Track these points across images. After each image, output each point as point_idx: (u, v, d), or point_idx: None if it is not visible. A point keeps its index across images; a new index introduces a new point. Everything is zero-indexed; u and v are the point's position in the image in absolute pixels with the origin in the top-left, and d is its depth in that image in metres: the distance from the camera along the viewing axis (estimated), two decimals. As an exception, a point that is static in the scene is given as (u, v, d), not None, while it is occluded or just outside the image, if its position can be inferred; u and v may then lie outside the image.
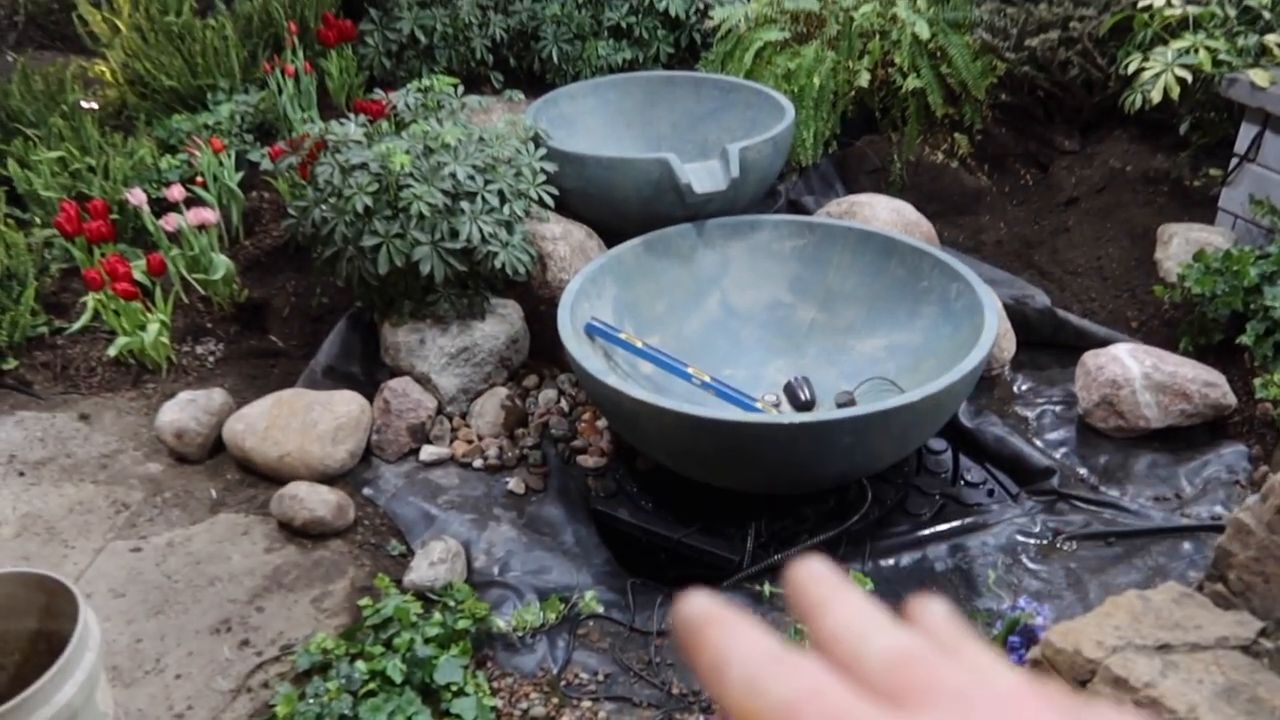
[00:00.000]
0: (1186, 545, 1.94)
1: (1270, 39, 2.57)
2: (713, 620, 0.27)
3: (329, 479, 2.12)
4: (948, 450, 2.25)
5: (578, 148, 2.57)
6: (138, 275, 2.40)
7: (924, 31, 2.93)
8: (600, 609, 1.86)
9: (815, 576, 0.28)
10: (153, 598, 1.83)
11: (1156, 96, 2.52)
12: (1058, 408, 2.34)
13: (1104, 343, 2.36)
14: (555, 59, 3.32)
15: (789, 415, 2.03)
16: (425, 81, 2.54)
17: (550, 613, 1.83)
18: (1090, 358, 2.25)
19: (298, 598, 1.85)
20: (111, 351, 2.38)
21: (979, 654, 0.27)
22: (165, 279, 2.50)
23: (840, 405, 2.16)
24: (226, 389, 2.31)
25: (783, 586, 0.29)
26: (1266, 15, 2.67)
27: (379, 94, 2.63)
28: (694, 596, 0.28)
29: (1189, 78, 2.53)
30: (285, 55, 3.11)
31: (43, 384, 2.40)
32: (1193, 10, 2.58)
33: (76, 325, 2.48)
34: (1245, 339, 2.18)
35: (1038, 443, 2.24)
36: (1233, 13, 2.67)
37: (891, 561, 1.99)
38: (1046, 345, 2.53)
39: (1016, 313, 2.50)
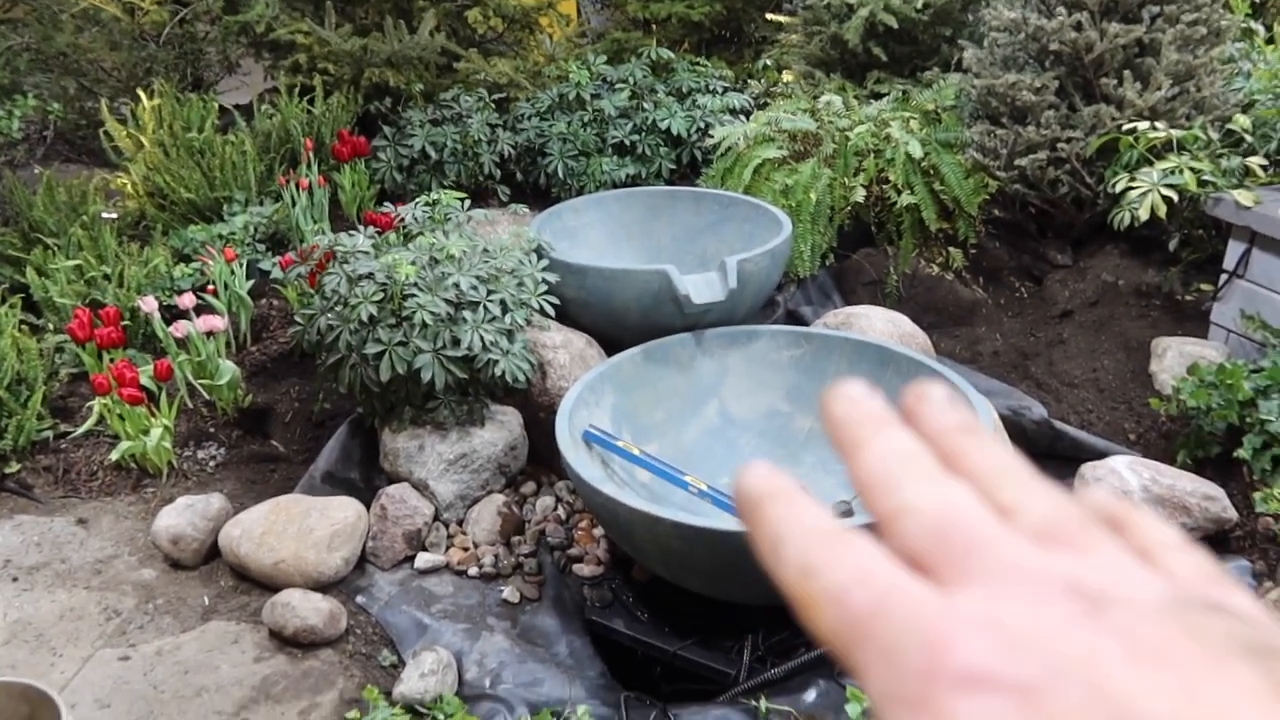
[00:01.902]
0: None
1: (1253, 161, 2.66)
2: (771, 495, 0.27)
3: (323, 586, 2.10)
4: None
5: (579, 259, 2.63)
6: (144, 380, 2.43)
7: (917, 151, 3.03)
8: (593, 724, 1.82)
9: (853, 404, 0.27)
10: (138, 709, 1.80)
11: (1144, 215, 2.58)
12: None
13: (1101, 454, 2.36)
14: (560, 174, 3.43)
15: (785, 525, 2.02)
16: (433, 195, 2.62)
17: (541, 728, 1.79)
18: (1089, 470, 2.25)
19: (284, 710, 1.82)
20: (113, 456, 2.39)
21: (1012, 482, 0.26)
22: (171, 384, 2.54)
23: (839, 515, 2.15)
24: (226, 494, 2.32)
25: (824, 416, 0.28)
26: (1249, 139, 2.77)
27: (389, 207, 2.72)
28: (755, 467, 0.27)
29: (1175, 197, 2.60)
30: (300, 169, 3.22)
31: (44, 487, 2.41)
32: (1176, 133, 2.68)
33: (81, 429, 2.50)
34: (1243, 453, 2.18)
35: (1038, 555, 2.21)
36: (1216, 136, 2.76)
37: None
38: (1045, 456, 2.53)
39: (1014, 424, 2.51)
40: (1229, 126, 2.77)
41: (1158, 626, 0.22)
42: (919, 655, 0.22)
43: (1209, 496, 2.14)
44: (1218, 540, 2.18)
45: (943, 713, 0.21)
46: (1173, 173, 2.63)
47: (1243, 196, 2.57)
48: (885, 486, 0.26)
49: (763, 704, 1.83)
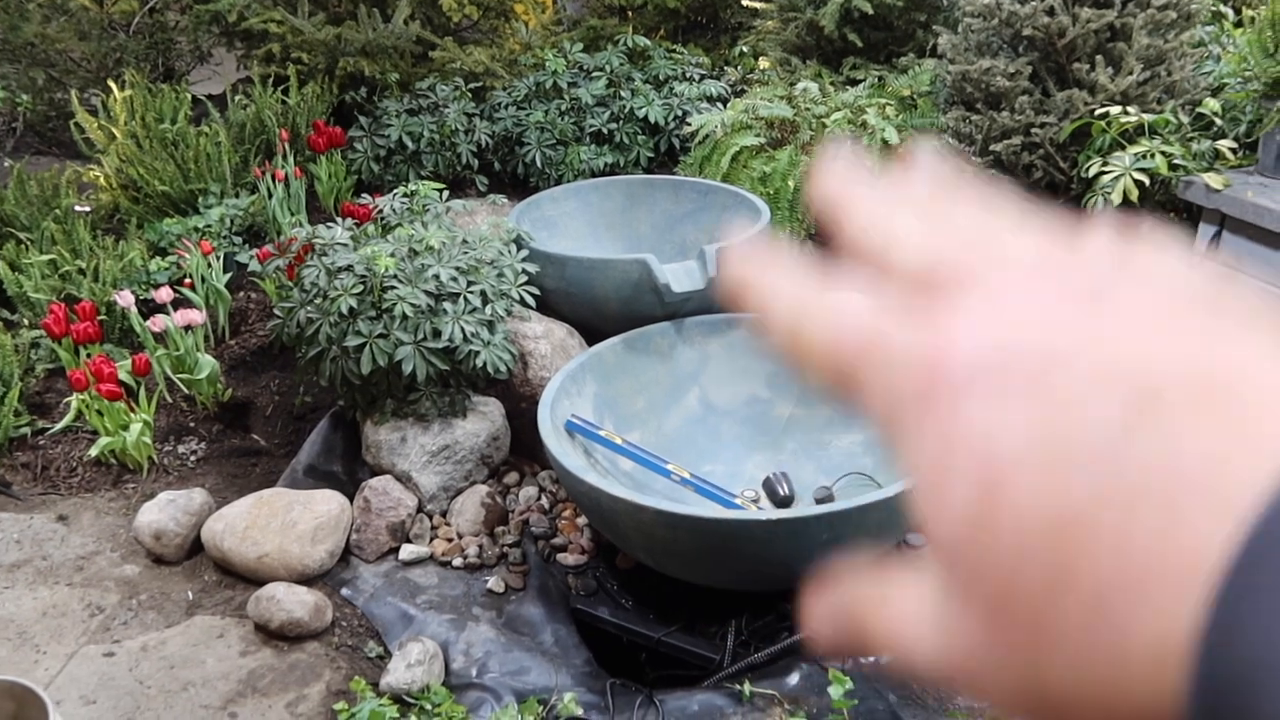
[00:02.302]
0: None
1: (1223, 144, 2.69)
2: (750, 277, 0.26)
3: (307, 579, 2.10)
4: (927, 546, 2.25)
5: (559, 249, 2.63)
6: (122, 375, 2.42)
7: (893, 137, 3.05)
8: (579, 711, 1.84)
9: (835, 182, 0.27)
10: (124, 704, 1.80)
11: (1116, 199, 2.61)
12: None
13: (1077, 436, 2.39)
14: (538, 163, 3.42)
15: (767, 512, 2.04)
16: (411, 186, 2.62)
17: (528, 715, 1.80)
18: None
19: (272, 703, 1.83)
20: (93, 452, 2.38)
21: (997, 214, 0.25)
22: (150, 379, 2.52)
23: (819, 501, 2.17)
24: (207, 488, 2.31)
25: (813, 187, 0.28)
26: (1219, 122, 2.80)
27: (366, 198, 2.70)
28: (731, 252, 0.27)
29: (1147, 181, 2.63)
30: (276, 161, 3.20)
31: (22, 484, 2.39)
32: (1148, 118, 2.71)
33: (59, 426, 2.49)
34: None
35: (1016, 537, 2.25)
36: (1186, 120, 2.80)
37: (872, 658, 1.98)
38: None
39: (991, 407, 2.54)
40: (1199, 110, 2.80)
41: (1159, 306, 0.20)
42: (919, 367, 0.22)
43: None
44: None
45: (952, 416, 0.21)
46: (1144, 157, 2.66)
47: (1213, 180, 2.60)
48: (874, 231, 0.25)
49: (747, 688, 1.86)
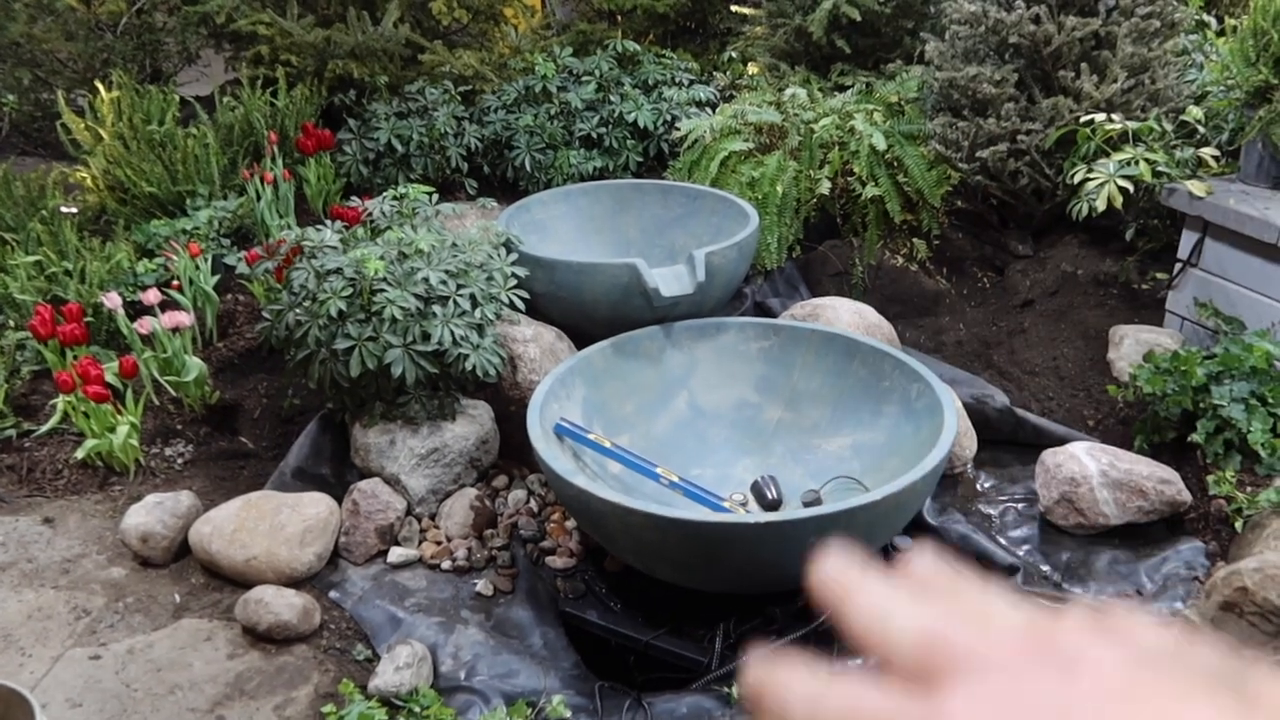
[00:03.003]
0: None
1: (1205, 152, 2.72)
2: (767, 681, 0.30)
3: (296, 582, 2.10)
4: (913, 548, 2.27)
5: (549, 253, 2.64)
6: (109, 378, 2.41)
7: (881, 143, 3.07)
8: (568, 713, 1.84)
9: (834, 573, 0.32)
10: (111, 707, 1.80)
11: (1101, 205, 2.64)
12: (1020, 505, 2.38)
13: (1062, 441, 2.41)
14: (528, 167, 3.43)
15: (755, 515, 2.05)
16: (401, 190, 2.62)
17: (517, 718, 1.81)
18: (1049, 456, 2.31)
19: (260, 705, 1.82)
20: (79, 454, 2.37)
21: (981, 600, 0.30)
22: (137, 381, 2.51)
23: (806, 504, 2.19)
24: (195, 491, 2.31)
25: (810, 586, 0.32)
26: (1202, 130, 2.83)
27: (355, 201, 2.70)
28: (753, 665, 0.31)
29: (1130, 188, 2.66)
30: (265, 163, 3.19)
31: (7, 486, 2.38)
32: (1132, 125, 2.73)
33: (45, 427, 2.48)
34: (1196, 437, 2.25)
35: (1001, 540, 2.27)
36: (1169, 127, 2.83)
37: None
38: (1007, 444, 2.59)
39: (977, 412, 2.56)
40: (1183, 118, 2.83)
41: (1127, 673, 0.25)
42: None
43: (1164, 480, 2.20)
44: (1173, 522, 2.24)
45: None
46: (1128, 164, 2.69)
47: (1196, 187, 2.63)
48: (874, 624, 0.30)
49: (734, 691, 1.87)
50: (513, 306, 2.44)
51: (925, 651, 0.28)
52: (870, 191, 3.09)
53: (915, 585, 0.31)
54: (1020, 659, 0.27)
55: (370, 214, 2.59)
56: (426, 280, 2.25)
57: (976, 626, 0.29)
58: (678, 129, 3.37)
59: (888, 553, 2.24)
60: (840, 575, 0.32)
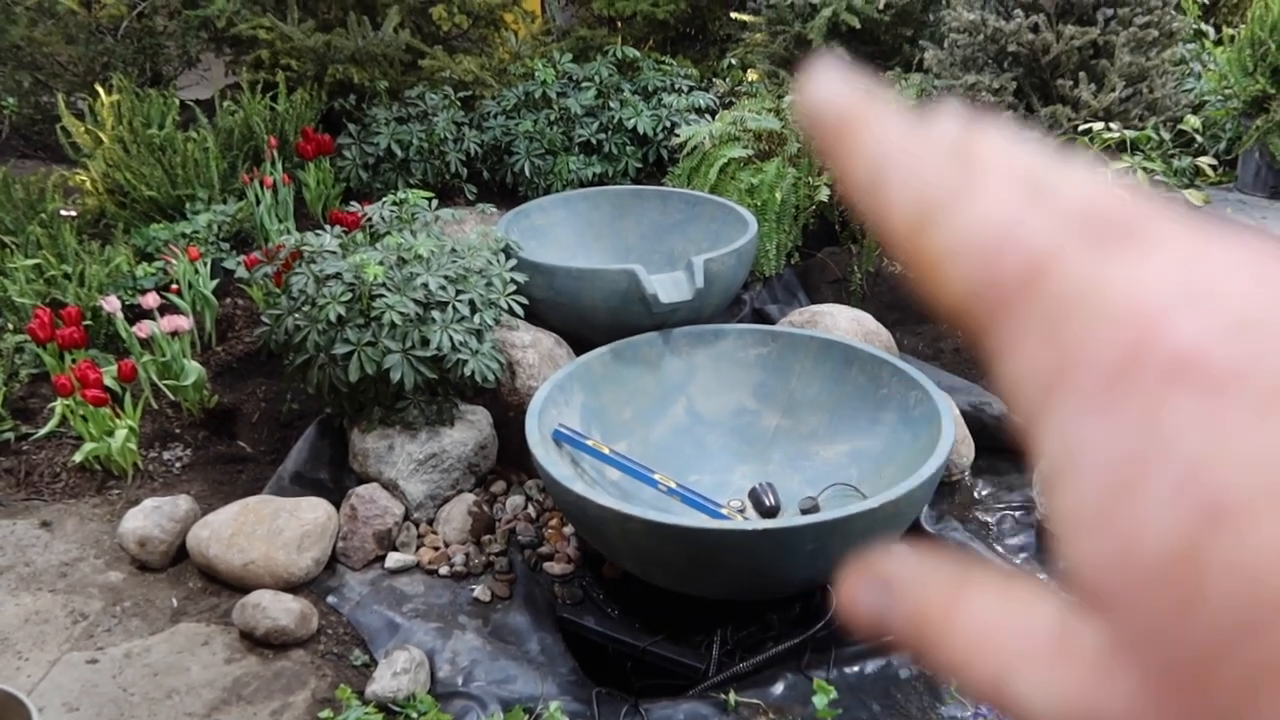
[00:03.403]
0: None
1: (1203, 161, 2.73)
2: (862, 118, 0.20)
3: (293, 587, 2.10)
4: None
5: (548, 259, 2.64)
6: (108, 381, 2.41)
7: (879, 150, 3.08)
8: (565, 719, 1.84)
9: (832, 96, 0.20)
10: (107, 711, 1.79)
11: (1099, 214, 2.64)
12: (1017, 513, 2.38)
13: (1059, 449, 2.41)
14: (527, 173, 3.44)
15: (753, 522, 2.05)
16: (400, 195, 2.62)
17: (514, 724, 1.81)
18: (1047, 465, 2.31)
19: (257, 710, 1.82)
20: (77, 457, 2.37)
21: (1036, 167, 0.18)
22: (135, 385, 2.51)
23: (804, 511, 2.19)
24: (193, 495, 2.31)
25: (806, 111, 0.21)
26: (1199, 139, 2.85)
27: (355, 206, 2.71)
28: (825, 80, 0.20)
29: (1129, 196, 2.66)
30: (264, 167, 3.20)
31: (5, 490, 2.38)
32: (1130, 134, 2.75)
33: (43, 431, 2.47)
34: (1193, 445, 2.25)
35: (999, 548, 2.27)
36: (1167, 136, 2.84)
37: (856, 668, 1.99)
38: (1005, 451, 2.59)
39: (974, 419, 2.56)
40: (1180, 127, 2.85)
41: None
42: (1111, 331, 0.16)
43: (1162, 489, 2.20)
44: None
45: (1153, 408, 0.15)
46: (1126, 172, 2.70)
47: (1193, 196, 2.64)
48: (910, 207, 0.19)
49: (732, 697, 1.87)
50: (512, 312, 2.45)
51: (1094, 198, 0.17)
52: (869, 199, 3.10)
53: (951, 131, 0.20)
54: (1254, 243, 0.16)
55: (370, 219, 2.59)
56: (426, 286, 2.26)
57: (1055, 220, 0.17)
58: (677, 135, 3.38)
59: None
60: (843, 101, 0.20)
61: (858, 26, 3.48)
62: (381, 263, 2.25)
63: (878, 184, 0.19)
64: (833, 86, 0.20)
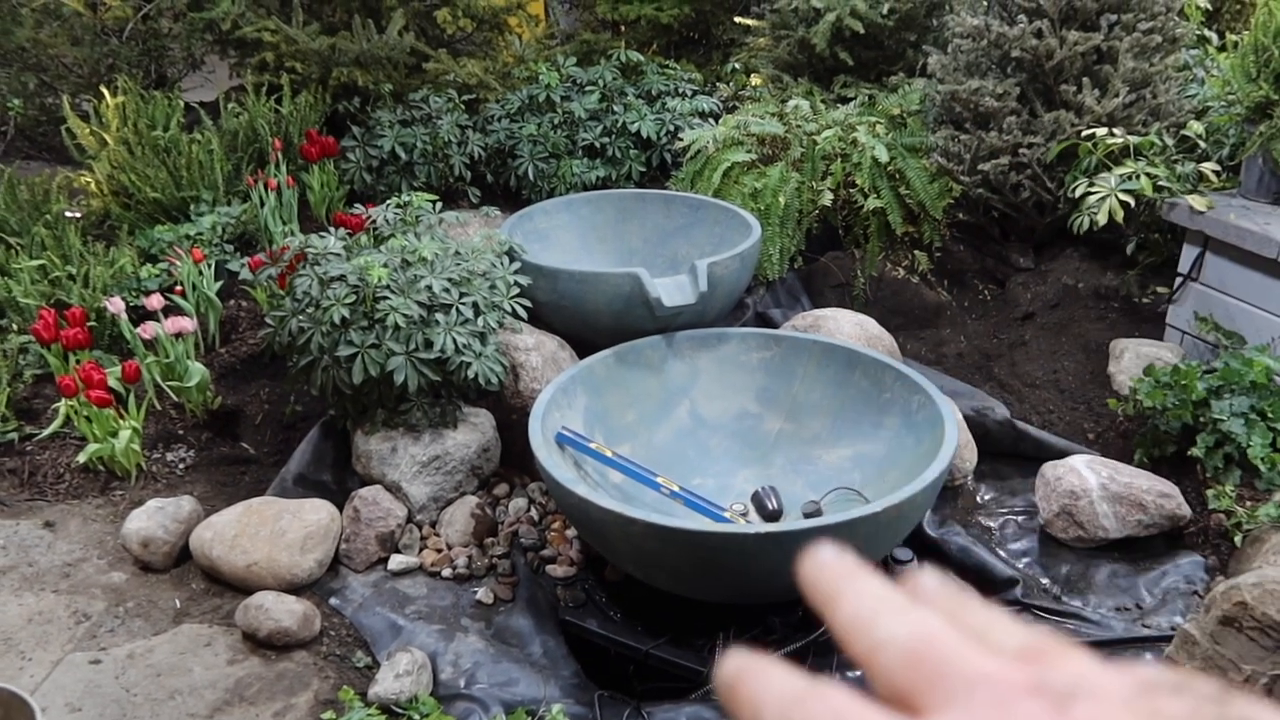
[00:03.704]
0: (1148, 655, 1.96)
1: (1206, 167, 2.73)
2: (743, 673, 0.28)
3: (296, 588, 2.10)
4: (914, 560, 2.27)
5: (551, 262, 2.65)
6: (112, 382, 2.41)
7: (883, 155, 3.08)
8: (567, 723, 1.84)
9: (824, 566, 0.29)
10: (110, 712, 1.80)
11: (1102, 219, 2.65)
12: (1020, 518, 2.38)
13: (1062, 454, 2.42)
14: (531, 176, 3.44)
15: (755, 525, 2.05)
16: (404, 197, 2.63)
17: (516, 727, 1.81)
18: (1049, 468, 2.31)
19: (259, 712, 1.82)
20: (81, 458, 2.37)
21: (982, 617, 0.28)
22: (139, 386, 2.52)
23: (807, 515, 2.19)
24: (196, 496, 2.31)
25: (800, 580, 0.30)
26: (1202, 145, 2.85)
27: (359, 208, 2.71)
28: (730, 658, 0.29)
29: (1131, 202, 2.67)
30: (269, 169, 3.20)
31: (9, 490, 2.38)
32: (1133, 139, 2.75)
33: (47, 431, 2.48)
34: (1196, 451, 2.25)
35: (1001, 553, 2.27)
36: (1171, 142, 2.84)
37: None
38: (1007, 456, 2.59)
39: (977, 424, 2.56)
40: (1184, 133, 2.85)
41: (1123, 713, 0.23)
42: None
43: (1164, 494, 2.21)
44: (1172, 536, 2.25)
45: None
46: (1130, 178, 2.70)
47: (1196, 201, 2.64)
48: (860, 627, 0.27)
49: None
50: (515, 315, 2.45)
51: (913, 662, 0.26)
52: (872, 203, 3.10)
53: (913, 596, 0.29)
54: (1015, 684, 0.24)
55: (374, 221, 2.60)
56: (429, 288, 2.26)
57: (971, 642, 0.26)
58: (680, 139, 3.38)
59: (888, 565, 2.25)
60: (833, 568, 0.29)
61: (861, 31, 3.48)
62: (385, 265, 2.25)
63: (860, 626, 0.27)
64: (731, 669, 0.28)
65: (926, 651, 0.26)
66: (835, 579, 0.29)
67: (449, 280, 2.30)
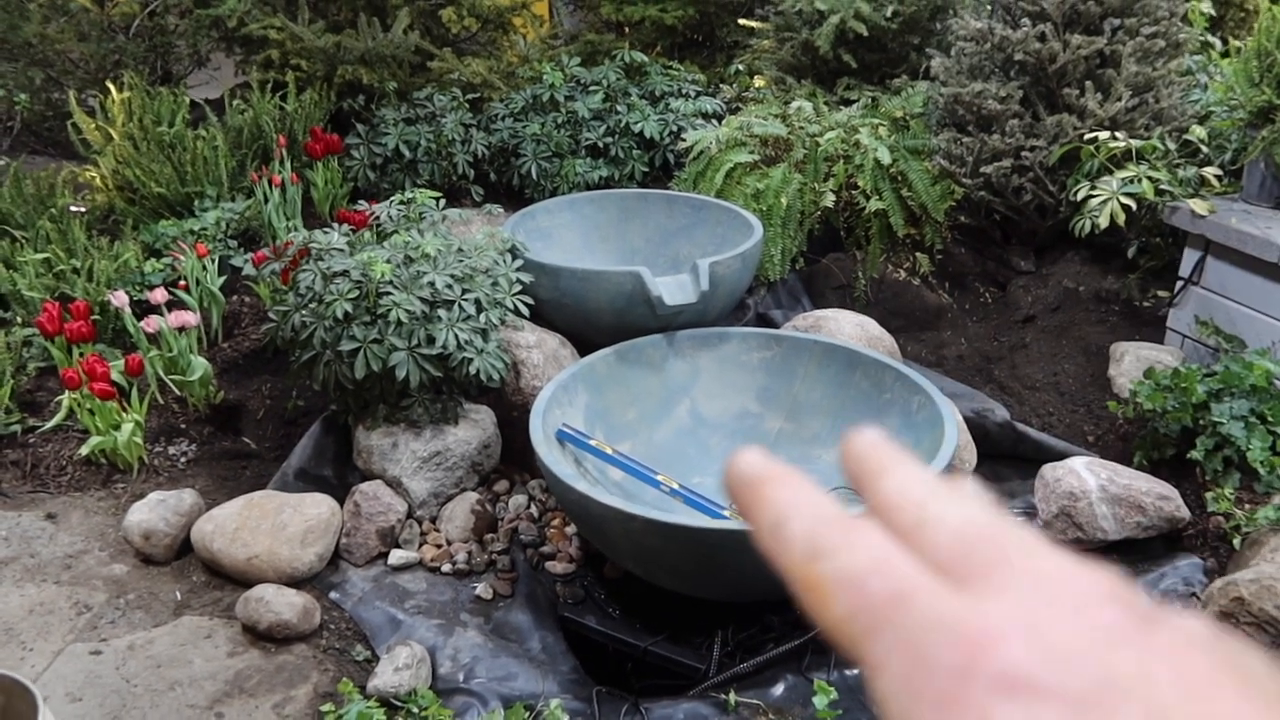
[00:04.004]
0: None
1: (1208, 171, 2.74)
2: (771, 478, 0.26)
3: (296, 582, 2.11)
4: None
5: (553, 260, 2.66)
6: (115, 375, 2.42)
7: (885, 157, 3.09)
8: (565, 718, 1.85)
9: (873, 443, 0.27)
10: (110, 702, 1.80)
11: (1104, 222, 2.66)
12: (1019, 519, 2.38)
13: (1062, 456, 2.42)
14: (534, 175, 3.45)
15: (755, 523, 2.06)
16: (408, 194, 2.63)
17: (514, 721, 1.81)
18: (1048, 470, 2.31)
19: (259, 703, 1.83)
20: (83, 451, 2.38)
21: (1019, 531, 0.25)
22: (142, 379, 2.53)
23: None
24: (198, 490, 2.32)
25: (841, 455, 0.28)
26: (1204, 149, 2.85)
27: (363, 205, 2.72)
28: (749, 453, 0.27)
29: (1133, 205, 2.68)
30: (273, 166, 3.22)
31: (11, 482, 2.39)
32: (1135, 143, 2.75)
33: (49, 424, 2.49)
34: (1196, 454, 2.26)
35: (1000, 553, 2.27)
36: (1173, 146, 2.85)
37: (857, 670, 2.00)
38: (1007, 458, 2.60)
39: (977, 426, 2.57)
40: (1186, 137, 2.85)
41: (1208, 658, 0.21)
42: (952, 651, 0.21)
43: (1163, 496, 2.21)
44: (1171, 539, 2.25)
45: (980, 714, 0.20)
46: (1132, 181, 2.71)
47: (1198, 205, 2.65)
48: (908, 503, 0.25)
49: (732, 698, 1.87)
50: (517, 312, 2.46)
51: (971, 541, 0.23)
52: (874, 205, 3.11)
53: (961, 494, 0.26)
54: (1088, 585, 0.22)
55: (377, 218, 2.61)
56: (432, 284, 2.27)
57: (1026, 554, 0.23)
58: (683, 140, 3.39)
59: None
60: (883, 448, 0.27)
61: (865, 34, 3.49)
62: (389, 261, 2.26)
63: (779, 526, 0.25)
64: (753, 458, 0.27)
65: (984, 534, 0.23)
66: (884, 457, 0.27)
67: (451, 277, 2.31)
